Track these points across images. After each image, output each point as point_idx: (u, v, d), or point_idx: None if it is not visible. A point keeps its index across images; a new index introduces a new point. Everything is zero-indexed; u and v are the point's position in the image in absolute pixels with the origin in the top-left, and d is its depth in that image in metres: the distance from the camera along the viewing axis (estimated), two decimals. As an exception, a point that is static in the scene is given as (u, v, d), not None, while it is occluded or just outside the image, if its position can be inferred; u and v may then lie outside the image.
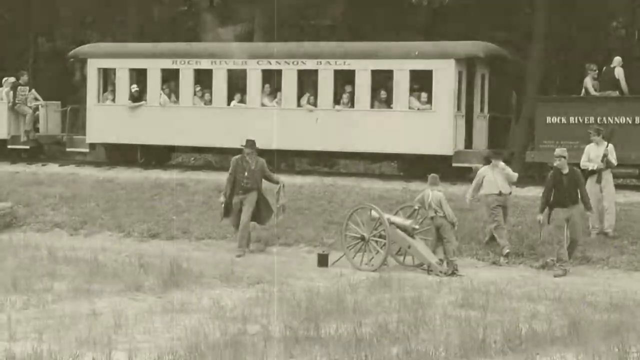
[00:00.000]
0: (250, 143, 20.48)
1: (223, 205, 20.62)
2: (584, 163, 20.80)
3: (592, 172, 20.60)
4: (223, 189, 20.64)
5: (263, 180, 20.65)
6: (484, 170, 20.18)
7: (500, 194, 19.67)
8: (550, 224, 18.88)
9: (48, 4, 42.33)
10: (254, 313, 11.12)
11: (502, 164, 20.28)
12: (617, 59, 27.36)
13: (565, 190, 18.86)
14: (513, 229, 20.10)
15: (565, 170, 18.97)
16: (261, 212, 20.58)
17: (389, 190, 25.26)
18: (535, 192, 23.43)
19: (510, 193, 20.11)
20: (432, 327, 10.26)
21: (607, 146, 20.74)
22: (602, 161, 20.48)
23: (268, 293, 12.83)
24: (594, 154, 20.73)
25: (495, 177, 19.81)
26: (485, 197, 19.90)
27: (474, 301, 12.20)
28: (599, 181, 20.51)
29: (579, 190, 19.03)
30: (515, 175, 20.53)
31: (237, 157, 20.62)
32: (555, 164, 19.30)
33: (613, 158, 20.76)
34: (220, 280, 14.39)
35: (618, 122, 25.89)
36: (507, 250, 19.38)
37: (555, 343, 9.54)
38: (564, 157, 19.11)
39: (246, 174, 20.12)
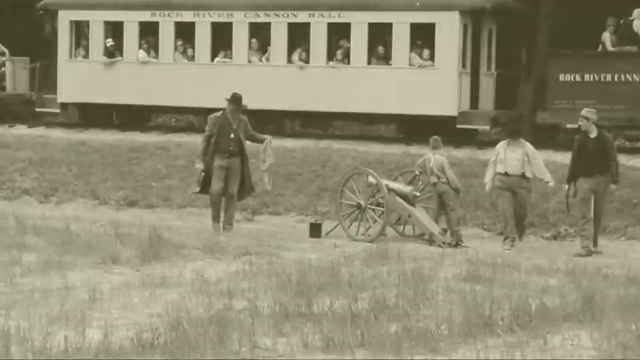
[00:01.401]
0: (237, 98, 19.18)
1: (203, 176, 19.13)
2: None
3: None
4: (199, 154, 19.33)
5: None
6: (499, 147, 19.00)
7: (506, 174, 18.49)
8: (576, 197, 18.25)
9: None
10: (240, 287, 11.13)
11: (523, 141, 18.92)
12: (637, 11, 27.38)
13: (591, 157, 18.09)
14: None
15: (593, 134, 18.26)
16: (243, 184, 19.31)
17: (388, 154, 25.33)
18: (545, 156, 23.46)
19: (523, 175, 18.55)
20: (434, 303, 10.28)
21: None
22: None
23: (256, 266, 12.84)
24: None
25: (507, 154, 18.58)
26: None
27: (480, 274, 12.21)
28: None
29: (608, 158, 18.24)
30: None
31: (216, 114, 19.36)
32: (579, 124, 18.74)
33: None
34: (204, 251, 14.39)
35: (637, 79, 26.00)
36: (509, 242, 18.28)
37: (567, 320, 9.56)
38: (589, 119, 18.41)
39: (232, 135, 18.91)
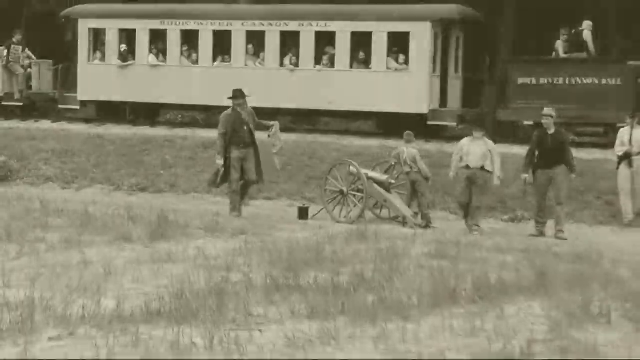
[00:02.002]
0: (240, 92, 18.81)
1: (222, 169, 18.70)
2: (617, 147, 19.81)
3: (625, 157, 19.48)
4: (218, 151, 18.87)
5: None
6: (464, 142, 18.82)
7: (467, 167, 18.31)
8: (533, 186, 18.34)
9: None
10: (236, 262, 11.15)
11: (485, 139, 18.72)
12: (587, 23, 27.48)
13: (549, 151, 18.09)
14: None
15: (552, 131, 18.20)
16: (259, 169, 19.06)
17: (367, 147, 25.34)
18: (505, 149, 23.49)
19: (482, 168, 18.27)
20: (406, 277, 10.30)
21: (631, 130, 19.58)
22: (629, 145, 19.39)
23: (251, 244, 12.85)
24: (627, 138, 19.56)
25: (470, 148, 18.41)
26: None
27: (446, 252, 12.24)
28: (631, 165, 19.36)
29: (565, 151, 18.16)
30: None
31: (228, 112, 18.88)
32: (543, 122, 18.54)
33: None
34: (205, 231, 14.39)
35: (585, 83, 26.04)
36: (474, 229, 17.94)
37: (522, 292, 9.61)
38: (552, 117, 18.31)
39: (245, 127, 18.57)
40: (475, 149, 18.23)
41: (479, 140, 18.43)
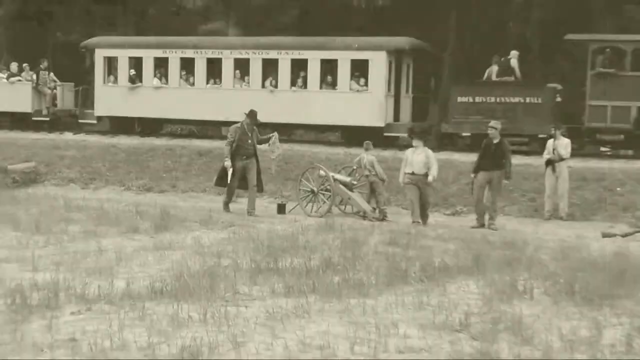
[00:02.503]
0: (253, 114, 18.34)
1: (231, 172, 18.04)
2: (544, 155, 19.71)
3: (549, 163, 19.41)
4: (226, 155, 18.21)
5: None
6: (408, 152, 18.53)
7: (412, 173, 17.92)
8: (474, 184, 18.08)
9: (65, 5, 42.42)
10: (226, 250, 11.14)
11: (425, 148, 18.32)
12: (514, 52, 27.67)
13: (491, 157, 17.87)
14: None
15: (496, 140, 17.96)
16: (259, 178, 18.64)
17: (334, 154, 25.35)
18: (447, 156, 23.59)
19: (425, 175, 17.86)
20: (366, 261, 10.31)
21: (561, 140, 19.51)
22: (553, 153, 19.32)
23: (238, 234, 12.84)
24: (551, 147, 19.49)
25: (413, 158, 18.06)
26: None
27: (399, 241, 12.25)
28: (554, 170, 19.30)
29: (504, 159, 17.86)
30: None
31: (237, 126, 18.35)
32: (489, 132, 18.22)
33: (563, 151, 19.37)
34: (200, 224, 14.37)
35: (512, 101, 26.18)
36: (415, 221, 17.51)
37: (461, 273, 9.64)
38: (496, 129, 18.06)
39: (249, 141, 18.13)
40: (417, 158, 17.98)
41: (419, 149, 18.15)
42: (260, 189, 18.72)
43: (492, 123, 18.42)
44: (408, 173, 18.02)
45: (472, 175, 18.34)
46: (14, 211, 15.05)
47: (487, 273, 9.44)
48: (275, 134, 19.28)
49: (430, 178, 17.92)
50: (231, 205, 18.48)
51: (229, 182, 18.18)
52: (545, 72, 32.70)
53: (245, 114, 18.39)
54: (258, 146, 18.52)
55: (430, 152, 18.35)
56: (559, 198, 19.28)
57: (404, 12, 33.79)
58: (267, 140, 18.84)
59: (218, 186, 19.15)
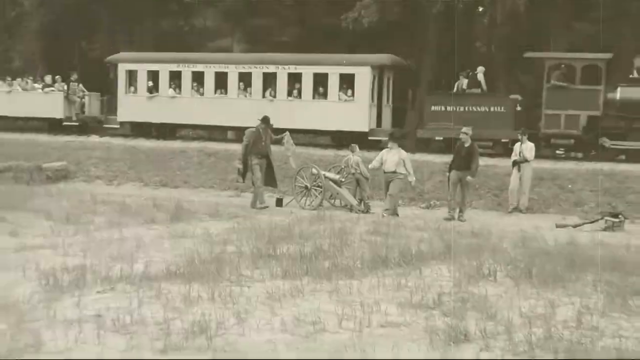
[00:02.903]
0: (267, 119, 18.35)
1: (243, 169, 18.21)
2: (512, 157, 19.52)
3: (515, 163, 19.21)
4: (240, 157, 18.35)
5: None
6: (383, 152, 18.40)
7: (384, 172, 17.96)
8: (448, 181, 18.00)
9: (91, 22, 42.57)
10: (231, 238, 11.13)
11: (399, 149, 18.23)
12: (480, 68, 27.70)
13: (462, 158, 17.80)
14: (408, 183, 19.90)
15: (467, 144, 17.89)
16: (272, 175, 18.84)
17: (325, 155, 25.34)
18: (422, 157, 23.58)
19: (394, 172, 17.82)
20: (352, 248, 10.32)
21: (526, 144, 19.36)
22: (519, 155, 19.17)
23: (241, 224, 12.85)
24: (518, 149, 19.33)
25: (387, 157, 18.01)
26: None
27: (380, 230, 12.27)
28: (519, 170, 19.14)
29: (472, 161, 17.72)
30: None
31: (252, 130, 18.27)
32: (460, 137, 18.12)
33: (528, 154, 19.26)
34: (209, 215, 14.37)
35: (479, 110, 26.23)
36: (385, 212, 17.35)
37: (434, 259, 9.65)
38: (467, 134, 18.02)
39: (263, 143, 18.07)
40: (390, 157, 17.93)
41: (394, 150, 18.11)
42: (274, 184, 18.82)
43: (464, 129, 18.34)
44: (383, 171, 17.91)
45: (447, 175, 18.27)
46: (48, 204, 15.03)
47: (457, 259, 9.45)
48: (287, 133, 19.22)
49: (411, 178, 17.95)
50: (233, 200, 18.44)
51: (242, 177, 18.18)
52: (507, 85, 32.75)
53: (259, 119, 18.35)
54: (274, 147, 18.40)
55: (404, 153, 18.32)
56: (521, 194, 19.29)
57: (386, 33, 33.78)
58: (281, 140, 18.81)
59: (240, 181, 19.10)
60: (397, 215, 17.45)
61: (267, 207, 17.80)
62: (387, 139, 19.89)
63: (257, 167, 18.02)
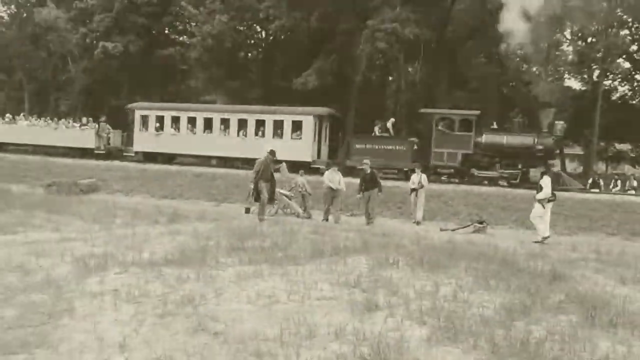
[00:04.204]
0: (274, 152, 16.75)
1: (255, 191, 16.27)
2: (410, 185, 19.05)
3: (413, 190, 18.81)
4: (251, 181, 16.52)
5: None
6: (327, 173, 18.33)
7: (330, 188, 17.71)
8: (362, 199, 17.84)
9: (117, 84, 42.20)
10: (212, 235, 11.01)
11: (337, 171, 18.23)
12: (391, 120, 28.41)
13: (368, 182, 17.71)
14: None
15: (368, 171, 17.83)
16: (272, 195, 17.10)
17: (280, 178, 25.19)
18: (350, 180, 23.55)
19: (336, 189, 17.67)
20: (298, 243, 10.27)
21: (420, 175, 18.97)
22: (417, 183, 18.71)
23: (220, 225, 12.72)
24: (414, 179, 18.89)
25: (330, 177, 17.91)
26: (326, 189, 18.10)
27: (319, 231, 12.23)
28: (416, 195, 18.72)
29: (376, 182, 17.65)
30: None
31: (261, 160, 16.45)
32: (362, 167, 18.13)
33: (425, 182, 18.89)
34: (197, 219, 14.19)
35: (388, 148, 26.55)
36: (323, 219, 17.36)
37: (356, 252, 9.63)
38: (367, 164, 18.04)
39: (270, 170, 16.40)
40: (333, 177, 17.92)
41: (334, 172, 18.12)
42: (272, 201, 17.40)
43: (365, 161, 18.30)
44: (327, 187, 17.78)
45: (358, 196, 17.95)
46: (81, 209, 14.72)
47: (371, 252, 9.45)
48: (284, 164, 17.81)
49: (342, 187, 17.84)
50: (214, 208, 18.21)
51: (259, 198, 16.84)
52: (408, 131, 33.15)
53: (267, 152, 17.37)
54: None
55: (340, 175, 18.27)
56: (418, 211, 19.17)
57: (324, 93, 34.08)
58: (277, 169, 17.97)
59: (256, 201, 16.87)
60: (330, 221, 17.43)
61: (266, 219, 17.24)
62: (324, 166, 19.98)
63: (264, 189, 17.24)
